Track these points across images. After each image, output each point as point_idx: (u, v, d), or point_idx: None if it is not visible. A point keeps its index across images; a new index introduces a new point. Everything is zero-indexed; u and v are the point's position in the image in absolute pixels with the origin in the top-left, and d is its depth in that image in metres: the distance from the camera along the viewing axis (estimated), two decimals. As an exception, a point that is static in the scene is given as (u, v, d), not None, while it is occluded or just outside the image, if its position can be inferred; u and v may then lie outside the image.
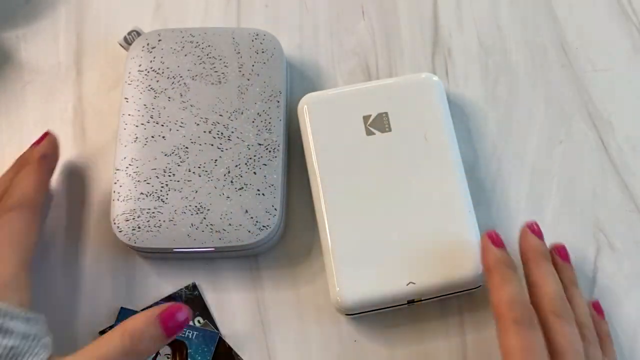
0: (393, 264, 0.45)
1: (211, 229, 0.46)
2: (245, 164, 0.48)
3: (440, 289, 0.45)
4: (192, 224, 0.46)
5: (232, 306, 0.49)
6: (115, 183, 0.48)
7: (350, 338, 0.48)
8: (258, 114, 0.49)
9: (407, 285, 0.45)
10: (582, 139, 0.52)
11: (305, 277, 0.49)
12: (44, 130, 0.53)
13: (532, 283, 0.44)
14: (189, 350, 0.47)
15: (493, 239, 0.44)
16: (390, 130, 0.49)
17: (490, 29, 0.56)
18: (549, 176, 0.51)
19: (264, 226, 0.46)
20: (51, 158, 0.48)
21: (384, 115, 0.49)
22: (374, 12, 0.56)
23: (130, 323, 0.41)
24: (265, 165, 0.48)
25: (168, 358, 0.47)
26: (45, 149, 0.48)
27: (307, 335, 0.48)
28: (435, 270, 0.45)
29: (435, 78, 0.51)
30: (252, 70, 0.50)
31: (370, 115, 0.49)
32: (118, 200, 0.47)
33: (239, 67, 0.50)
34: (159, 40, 0.51)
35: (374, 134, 0.49)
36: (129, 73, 0.50)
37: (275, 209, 0.47)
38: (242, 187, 0.47)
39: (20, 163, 0.47)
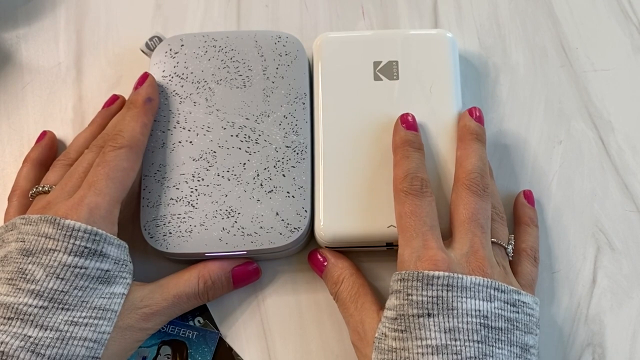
0: (378, 207, 0.47)
1: (242, 232, 0.46)
2: (274, 166, 0.48)
3: None
4: (223, 228, 0.47)
5: (232, 306, 0.49)
6: (144, 189, 0.48)
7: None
8: (284, 116, 0.49)
9: (388, 227, 0.46)
10: (582, 139, 0.52)
11: (305, 277, 0.49)
12: (44, 129, 0.53)
13: (457, 158, 0.47)
14: (189, 350, 0.47)
15: (407, 123, 0.47)
16: (397, 78, 0.50)
17: (490, 29, 0.56)
18: (549, 176, 0.51)
19: (295, 228, 0.46)
20: (155, 101, 0.49)
21: (394, 63, 0.50)
22: (374, 12, 0.56)
23: (207, 269, 0.47)
24: (293, 167, 0.48)
25: (168, 358, 0.47)
26: (149, 92, 0.49)
27: (307, 335, 0.48)
28: None
29: (449, 34, 0.51)
30: (277, 73, 0.50)
31: (380, 62, 0.50)
32: (147, 206, 0.47)
33: (263, 70, 0.50)
34: (182, 46, 0.51)
35: (381, 80, 0.50)
36: None
37: (306, 211, 0.47)
38: (272, 190, 0.47)
39: (128, 106, 0.49)
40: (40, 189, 0.47)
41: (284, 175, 0.48)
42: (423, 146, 0.47)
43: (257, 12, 0.57)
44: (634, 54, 0.55)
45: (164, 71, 0.51)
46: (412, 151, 0.46)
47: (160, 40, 0.52)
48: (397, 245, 0.47)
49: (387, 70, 0.50)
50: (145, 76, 0.50)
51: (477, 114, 0.48)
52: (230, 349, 0.48)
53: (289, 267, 0.50)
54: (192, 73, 0.51)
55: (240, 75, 0.50)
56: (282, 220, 0.47)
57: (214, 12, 0.57)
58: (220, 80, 0.50)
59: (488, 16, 0.56)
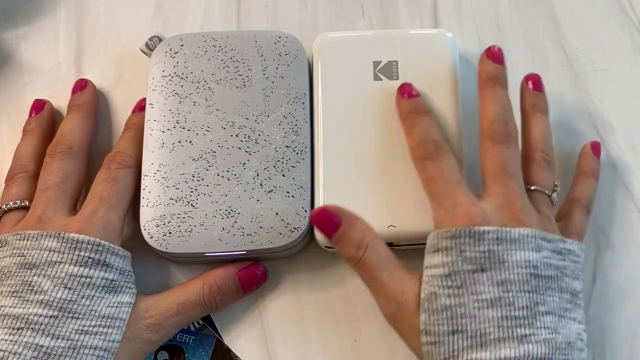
0: (378, 206, 0.47)
1: (242, 232, 0.46)
2: (274, 166, 0.48)
3: (419, 237, 0.46)
4: (223, 228, 0.47)
5: (231, 307, 0.49)
6: (143, 189, 0.48)
7: (351, 338, 0.48)
8: (284, 116, 0.49)
9: (388, 227, 0.46)
10: (582, 139, 0.52)
11: (305, 277, 0.49)
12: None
13: (479, 107, 0.46)
14: (186, 355, 0.47)
15: (407, 92, 0.48)
16: (397, 78, 0.50)
17: (490, 29, 0.56)
18: (549, 176, 0.51)
19: (295, 228, 0.47)
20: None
21: (394, 63, 0.50)
22: (374, 12, 0.56)
23: (212, 276, 0.47)
24: (293, 167, 0.48)
25: (166, 362, 0.48)
26: (140, 118, 0.50)
27: (307, 335, 0.48)
28: (417, 218, 0.46)
29: (449, 34, 0.51)
30: (277, 73, 0.50)
31: (380, 62, 0.50)
32: (147, 206, 0.47)
33: (263, 70, 0.50)
34: (182, 45, 0.51)
35: (381, 80, 0.50)
36: (153, 79, 0.51)
37: (306, 211, 0.47)
38: (272, 190, 0.47)
39: (129, 126, 0.51)
40: (12, 204, 0.47)
41: (283, 175, 0.48)
42: (428, 109, 0.47)
43: (257, 12, 0.57)
44: (634, 54, 0.55)
45: (163, 71, 0.51)
46: (417, 117, 0.47)
47: (160, 40, 0.52)
48: (397, 245, 0.47)
49: (387, 70, 0.50)
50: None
51: (495, 51, 0.47)
52: (229, 350, 0.48)
53: (289, 267, 0.50)
54: (192, 73, 0.51)
55: (240, 75, 0.50)
56: (282, 220, 0.47)
57: (214, 12, 0.57)
58: (220, 80, 0.50)
59: (488, 16, 0.56)
